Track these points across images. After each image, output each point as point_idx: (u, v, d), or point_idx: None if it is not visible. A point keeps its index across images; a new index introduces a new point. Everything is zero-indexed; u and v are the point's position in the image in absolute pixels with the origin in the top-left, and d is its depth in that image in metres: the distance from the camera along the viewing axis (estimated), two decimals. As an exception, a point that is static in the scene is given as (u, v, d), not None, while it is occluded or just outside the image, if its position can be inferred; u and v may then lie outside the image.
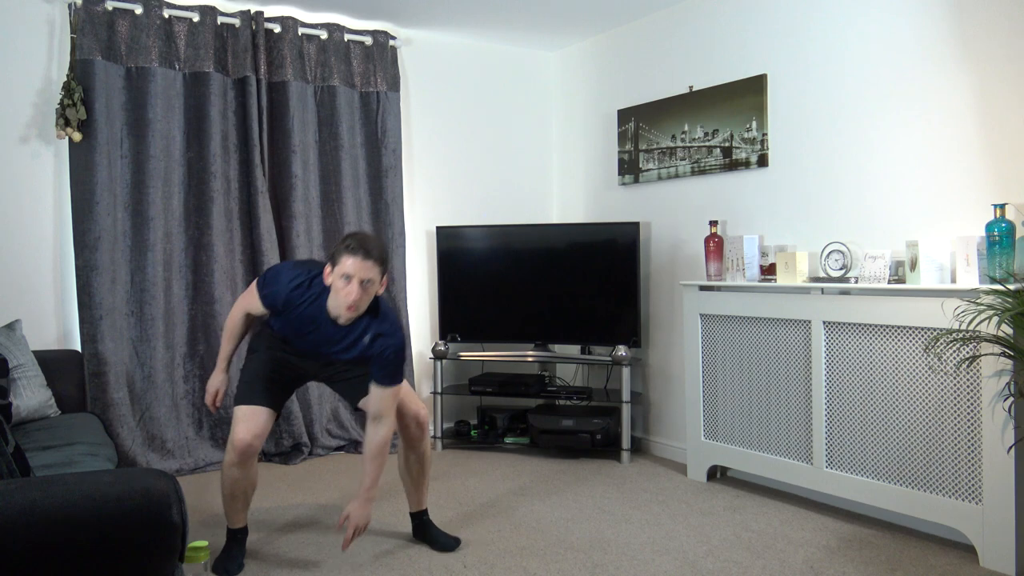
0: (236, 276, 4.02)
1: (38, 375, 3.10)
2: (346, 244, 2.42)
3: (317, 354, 2.68)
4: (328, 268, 2.48)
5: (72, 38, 3.58)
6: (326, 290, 2.52)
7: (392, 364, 2.57)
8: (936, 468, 2.77)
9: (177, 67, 3.85)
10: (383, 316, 2.58)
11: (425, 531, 2.90)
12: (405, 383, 2.73)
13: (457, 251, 4.44)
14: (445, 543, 2.83)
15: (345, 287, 2.40)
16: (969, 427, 2.67)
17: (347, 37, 4.27)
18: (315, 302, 2.54)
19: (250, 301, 2.67)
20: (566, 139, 4.95)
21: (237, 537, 2.71)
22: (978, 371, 2.62)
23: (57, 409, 3.13)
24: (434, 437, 4.34)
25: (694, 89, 3.98)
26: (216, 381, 2.80)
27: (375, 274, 2.42)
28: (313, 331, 2.58)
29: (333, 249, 2.45)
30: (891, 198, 3.17)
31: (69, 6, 3.60)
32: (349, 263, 2.39)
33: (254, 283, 2.66)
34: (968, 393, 2.66)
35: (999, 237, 2.63)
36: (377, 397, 2.59)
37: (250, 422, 2.59)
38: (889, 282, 2.97)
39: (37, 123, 3.62)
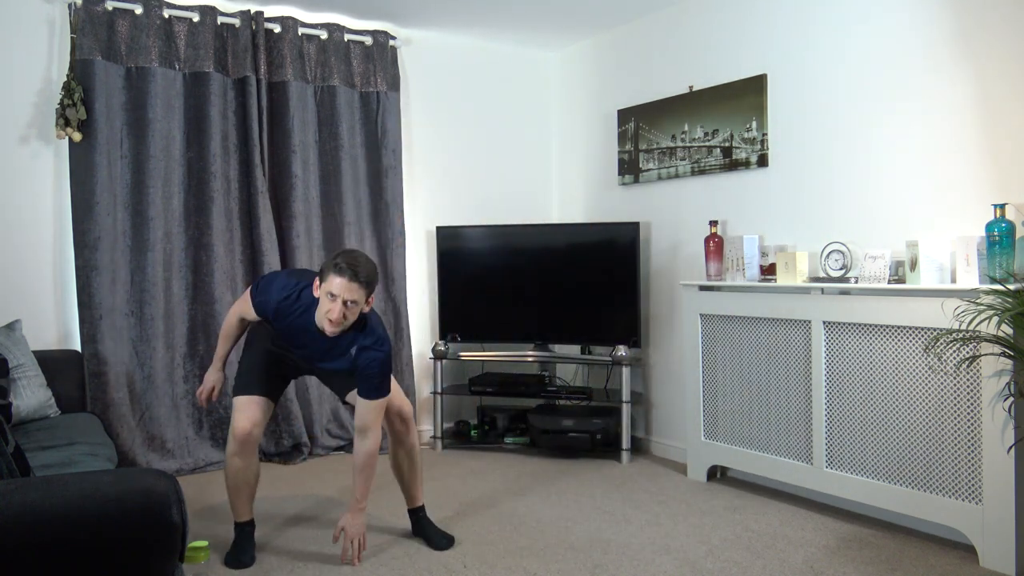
0: (236, 276, 4.02)
1: (38, 375, 3.10)
2: (335, 263, 2.45)
3: (309, 360, 2.75)
4: (316, 282, 2.52)
5: (72, 38, 3.58)
6: (315, 302, 2.55)
7: (376, 379, 2.61)
8: (936, 468, 2.77)
9: (177, 67, 3.84)
10: (369, 330, 2.61)
11: (421, 528, 2.92)
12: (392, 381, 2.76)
13: (457, 251, 4.44)
14: (438, 542, 2.85)
15: (329, 304, 2.45)
16: (969, 427, 2.67)
17: (347, 37, 4.27)
18: (303, 314, 2.60)
19: (244, 307, 2.75)
20: (566, 139, 4.95)
21: (245, 530, 2.77)
22: (978, 371, 2.62)
23: (57, 409, 3.13)
24: (434, 437, 4.34)
25: (694, 89, 3.98)
26: (212, 379, 2.92)
27: (360, 296, 2.46)
28: (303, 341, 2.66)
29: (323, 265, 2.51)
30: (891, 198, 3.17)
31: (69, 6, 3.60)
32: (336, 283, 2.43)
33: (248, 290, 2.72)
34: (968, 393, 2.66)
35: (999, 237, 2.63)
36: (363, 409, 2.62)
37: (248, 411, 2.70)
38: (889, 282, 2.97)
39: (37, 123, 3.62)
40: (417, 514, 2.94)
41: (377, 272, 2.55)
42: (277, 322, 2.65)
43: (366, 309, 2.55)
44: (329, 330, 2.49)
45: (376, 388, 2.62)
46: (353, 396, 2.75)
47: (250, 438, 2.68)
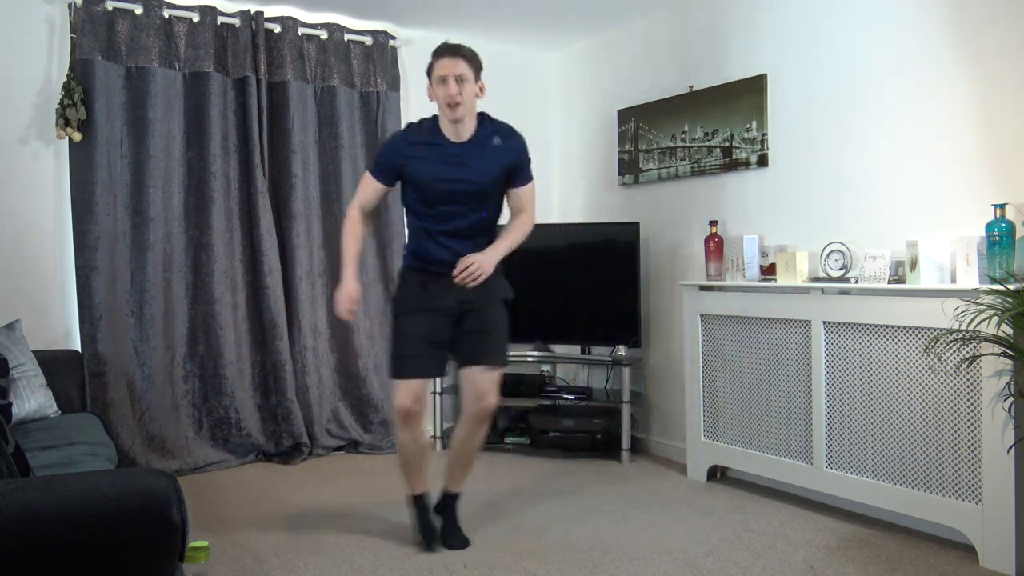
0: (236, 276, 4.02)
1: (38, 375, 3.10)
2: (434, 52, 2.63)
3: (461, 205, 2.71)
4: (428, 87, 2.66)
5: (72, 38, 3.58)
6: (435, 119, 2.69)
7: (526, 158, 2.79)
8: (936, 468, 2.78)
9: (177, 67, 3.85)
10: (497, 121, 2.77)
11: (447, 512, 2.91)
12: (497, 375, 2.80)
13: (457, 251, 4.43)
14: (451, 541, 2.83)
15: (444, 88, 2.58)
16: (969, 427, 2.67)
17: (347, 37, 4.27)
18: (430, 131, 2.70)
19: (364, 189, 2.79)
20: (566, 139, 4.95)
21: (418, 504, 2.86)
22: (978, 371, 2.62)
23: (57, 409, 3.13)
24: (434, 437, 4.34)
25: (694, 89, 3.98)
26: (350, 288, 2.73)
27: (466, 69, 2.60)
28: (444, 162, 2.68)
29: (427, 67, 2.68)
30: (891, 198, 3.17)
31: (69, 6, 3.60)
32: (440, 65, 2.60)
33: (365, 175, 2.80)
34: (968, 393, 2.66)
35: (999, 237, 2.63)
36: (517, 196, 2.83)
37: (406, 388, 2.73)
38: (889, 282, 2.97)
39: (37, 123, 3.62)
40: (452, 498, 2.92)
41: (478, 55, 2.68)
42: (411, 163, 2.68)
43: (480, 91, 2.68)
44: (452, 116, 2.60)
45: (528, 171, 2.81)
46: (468, 372, 2.74)
47: (410, 412, 2.73)
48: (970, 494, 2.67)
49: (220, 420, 3.95)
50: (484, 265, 2.65)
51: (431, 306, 2.74)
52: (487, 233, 2.80)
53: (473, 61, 2.65)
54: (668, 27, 4.17)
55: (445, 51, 2.62)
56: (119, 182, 3.72)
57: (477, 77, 2.67)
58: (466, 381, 2.77)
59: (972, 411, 2.65)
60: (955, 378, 2.70)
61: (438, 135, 2.70)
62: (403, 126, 2.80)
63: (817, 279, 3.22)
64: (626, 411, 4.03)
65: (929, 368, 2.78)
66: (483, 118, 2.75)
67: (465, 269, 2.62)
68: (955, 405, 2.71)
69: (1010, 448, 2.52)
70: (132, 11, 3.72)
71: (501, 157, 2.72)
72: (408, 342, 2.73)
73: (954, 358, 2.68)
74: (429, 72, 2.65)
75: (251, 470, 3.89)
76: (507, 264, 2.83)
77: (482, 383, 2.73)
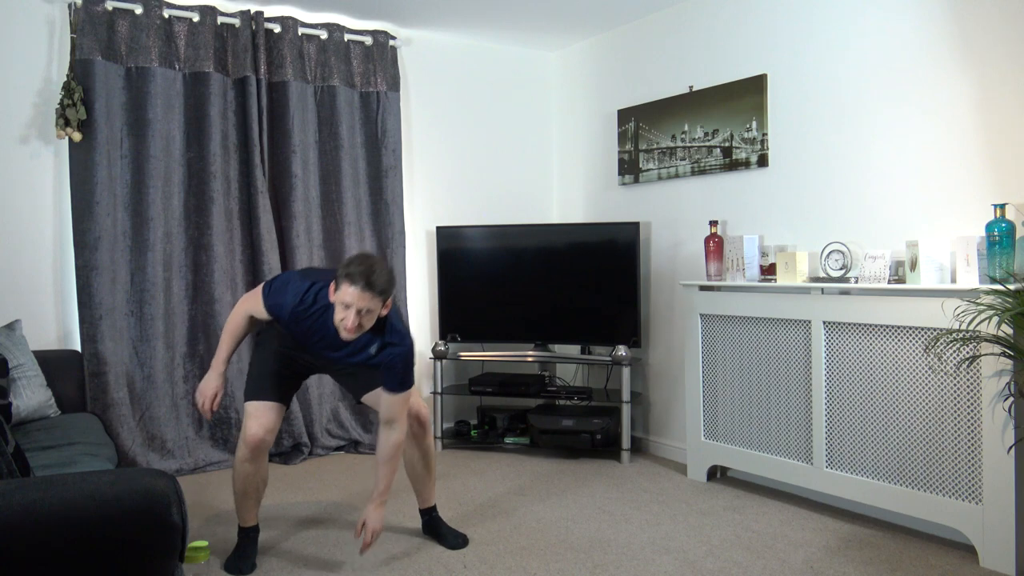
0: (236, 276, 4.02)
1: (38, 375, 3.10)
2: (348, 271, 2.36)
3: (323, 357, 2.70)
4: (332, 286, 2.44)
5: (72, 38, 3.58)
6: (331, 305, 2.47)
7: (400, 372, 2.56)
8: (936, 468, 2.78)
9: (177, 67, 3.84)
10: (389, 328, 2.56)
11: (434, 528, 2.92)
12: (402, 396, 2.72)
13: (457, 251, 4.44)
14: (453, 542, 2.85)
15: (343, 313, 2.38)
16: (969, 427, 2.67)
17: (347, 37, 4.27)
18: (321, 316, 2.53)
19: (254, 305, 2.64)
20: (566, 139, 4.95)
21: (250, 535, 2.73)
22: (978, 371, 2.62)
23: (57, 409, 3.13)
24: (434, 437, 4.33)
25: (694, 89, 3.98)
26: (213, 385, 2.71)
27: (375, 305, 2.38)
28: (319, 341, 2.59)
29: (338, 270, 2.43)
30: (891, 198, 3.17)
31: (69, 6, 3.60)
32: (349, 292, 2.35)
33: (259, 288, 2.63)
34: (968, 393, 2.66)
35: (999, 237, 2.63)
36: (387, 403, 2.59)
37: (261, 417, 2.62)
38: (889, 282, 2.97)
39: (37, 123, 3.61)
40: (429, 514, 2.95)
41: (394, 278, 2.46)
42: (292, 325, 2.58)
43: (383, 313, 2.47)
44: (345, 336, 2.42)
45: (400, 381, 2.57)
46: (369, 397, 2.74)
47: (263, 445, 2.62)
48: (970, 494, 2.67)
49: (220, 420, 3.95)
50: (379, 524, 2.62)
51: (298, 356, 2.73)
52: None
53: (384, 293, 2.40)
54: (668, 27, 4.17)
55: (359, 280, 2.34)
56: (119, 182, 3.72)
57: (384, 302, 2.43)
58: (374, 402, 2.75)
59: (972, 411, 2.65)
60: (955, 378, 2.70)
61: (325, 321, 2.53)
62: (300, 286, 2.56)
63: (817, 279, 3.22)
64: (626, 411, 4.03)
65: (929, 368, 2.78)
66: (378, 324, 2.52)
67: (369, 540, 2.59)
68: (955, 405, 2.71)
69: (1010, 448, 2.52)
70: (132, 11, 3.72)
71: (373, 361, 2.59)
72: (272, 375, 2.69)
73: (954, 358, 2.68)
74: (336, 283, 2.41)
75: (251, 470, 3.88)
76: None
77: (391, 409, 2.61)
